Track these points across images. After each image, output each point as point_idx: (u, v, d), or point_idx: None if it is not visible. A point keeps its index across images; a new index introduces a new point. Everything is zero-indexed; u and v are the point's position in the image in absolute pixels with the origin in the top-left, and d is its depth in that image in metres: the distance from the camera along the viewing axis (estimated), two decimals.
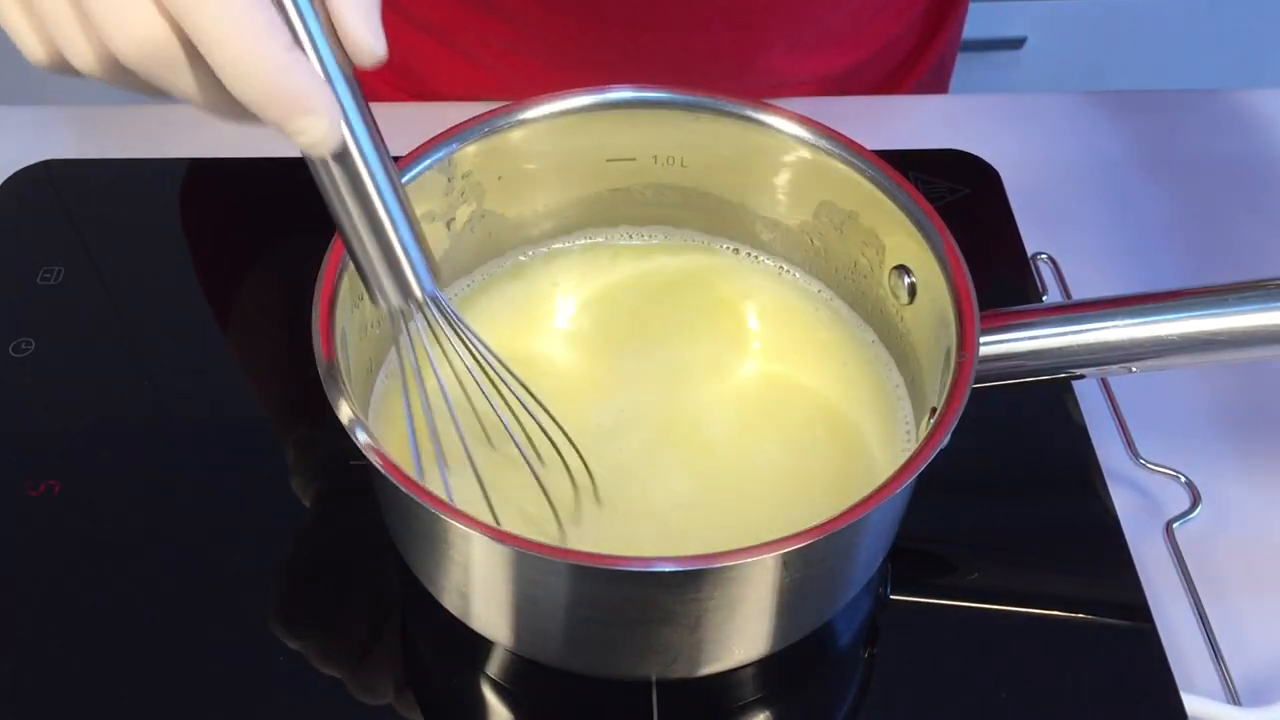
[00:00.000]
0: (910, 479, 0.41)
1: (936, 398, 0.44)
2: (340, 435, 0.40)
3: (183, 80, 0.36)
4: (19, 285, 0.61)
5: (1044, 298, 0.63)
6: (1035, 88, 1.34)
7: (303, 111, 0.35)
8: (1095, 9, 1.36)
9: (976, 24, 1.31)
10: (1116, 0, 1.35)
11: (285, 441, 0.56)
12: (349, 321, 0.45)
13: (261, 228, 0.65)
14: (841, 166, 0.50)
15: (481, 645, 0.48)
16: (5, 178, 0.66)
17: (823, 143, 0.50)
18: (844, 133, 0.51)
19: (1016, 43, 1.36)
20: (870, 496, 0.40)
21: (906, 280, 0.49)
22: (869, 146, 0.71)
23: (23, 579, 0.50)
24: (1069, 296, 0.63)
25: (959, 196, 0.68)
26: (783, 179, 0.53)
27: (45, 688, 0.47)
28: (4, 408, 0.56)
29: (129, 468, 0.54)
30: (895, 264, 0.50)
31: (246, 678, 0.47)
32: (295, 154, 0.38)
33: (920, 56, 0.80)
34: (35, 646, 0.48)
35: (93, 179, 0.67)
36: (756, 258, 0.56)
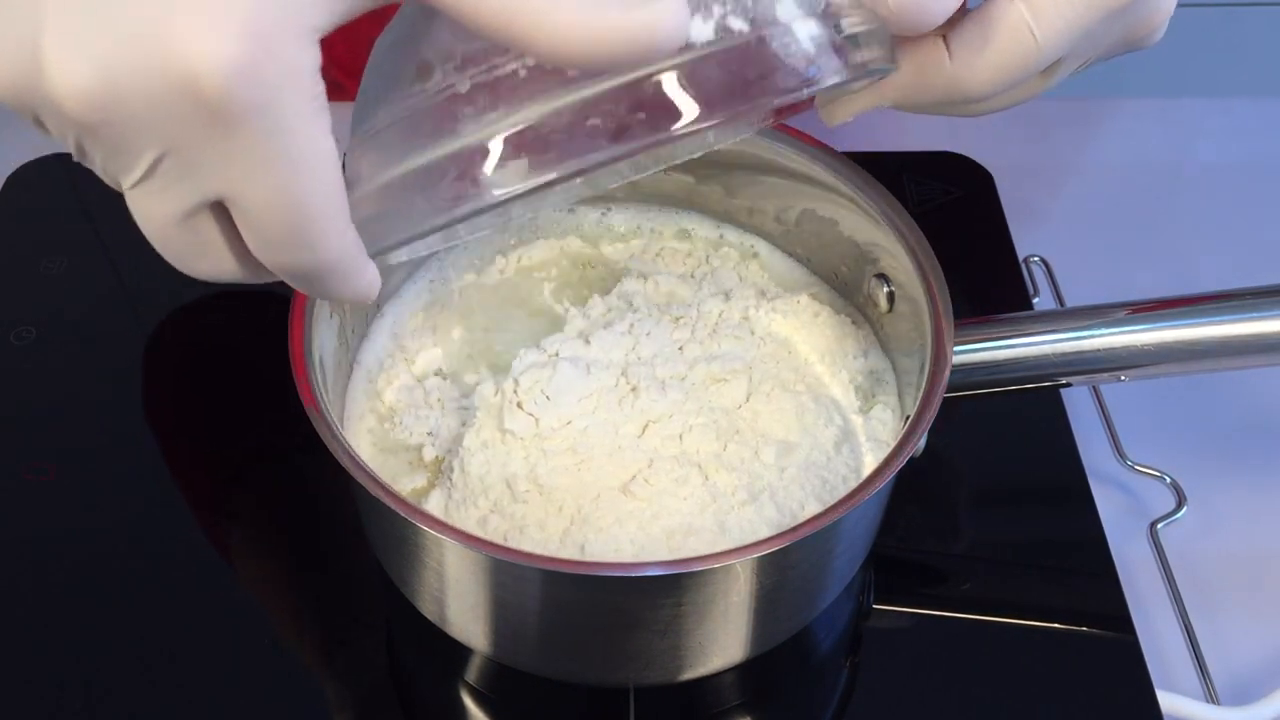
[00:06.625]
0: (881, 485, 0.41)
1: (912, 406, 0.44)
2: (317, 442, 0.41)
3: None
4: (23, 274, 0.62)
5: (1035, 300, 0.62)
6: (1049, 97, 1.33)
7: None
8: None
9: None
10: None
11: (265, 446, 0.56)
12: (326, 325, 0.46)
13: None
14: (820, 172, 0.50)
15: (462, 652, 0.48)
16: (14, 169, 0.67)
17: (800, 149, 0.50)
18: (838, 134, 0.50)
19: None
20: (840, 502, 0.40)
21: (885, 288, 0.49)
22: (863, 149, 0.71)
23: (11, 561, 0.51)
24: (1061, 299, 0.62)
25: (952, 199, 0.68)
26: (764, 186, 0.53)
27: (27, 680, 0.47)
28: (3, 393, 0.57)
29: (123, 457, 0.55)
30: (875, 272, 0.50)
31: (227, 684, 0.48)
32: None
33: None
34: (21, 632, 0.49)
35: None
36: (755, 252, 0.56)
